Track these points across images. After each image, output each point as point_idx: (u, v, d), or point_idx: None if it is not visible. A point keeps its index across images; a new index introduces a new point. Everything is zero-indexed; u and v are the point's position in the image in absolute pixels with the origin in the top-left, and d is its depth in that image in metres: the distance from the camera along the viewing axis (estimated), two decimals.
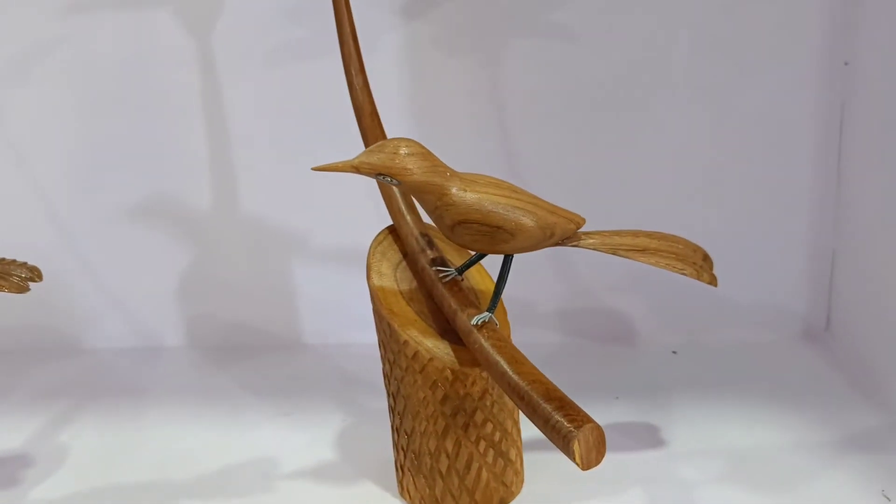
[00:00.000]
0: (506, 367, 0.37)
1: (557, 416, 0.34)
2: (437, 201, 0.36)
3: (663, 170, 0.62)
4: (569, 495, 0.45)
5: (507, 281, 0.40)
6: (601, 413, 0.38)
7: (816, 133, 0.59)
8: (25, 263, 0.43)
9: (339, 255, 0.67)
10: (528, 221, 0.37)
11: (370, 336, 0.67)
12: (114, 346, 0.69)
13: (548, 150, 0.63)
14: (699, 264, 0.41)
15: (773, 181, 0.61)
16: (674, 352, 0.62)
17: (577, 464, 0.33)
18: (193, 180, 0.66)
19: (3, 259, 0.43)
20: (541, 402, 0.35)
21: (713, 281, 0.42)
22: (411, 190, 0.36)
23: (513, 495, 0.44)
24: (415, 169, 0.36)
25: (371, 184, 0.61)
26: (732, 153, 0.61)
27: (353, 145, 0.62)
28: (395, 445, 0.44)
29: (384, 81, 0.61)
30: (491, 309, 0.39)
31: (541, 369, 0.38)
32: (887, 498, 0.41)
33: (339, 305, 0.68)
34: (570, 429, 0.33)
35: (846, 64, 0.56)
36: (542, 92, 0.61)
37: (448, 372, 0.40)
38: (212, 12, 0.62)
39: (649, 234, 0.41)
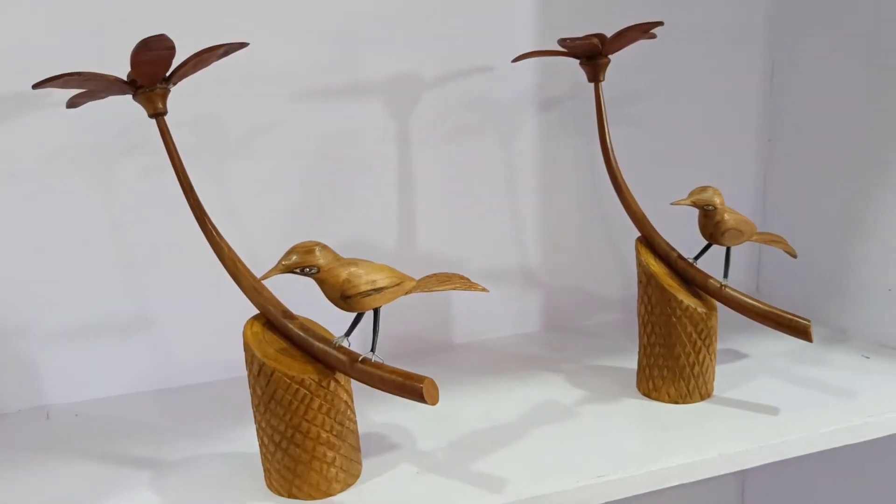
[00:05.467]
0: (750, 303, 0.71)
1: (790, 321, 0.69)
2: (719, 218, 0.69)
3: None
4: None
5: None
6: None
7: (752, 184, 1.02)
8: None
9: (481, 269, 0.92)
10: (750, 226, 0.72)
11: (502, 331, 0.93)
12: None
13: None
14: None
15: None
16: None
17: (811, 340, 0.68)
18: (382, 225, 0.86)
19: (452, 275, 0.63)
20: (777, 317, 0.69)
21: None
22: (721, 217, 0.69)
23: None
24: (730, 213, 0.69)
25: (511, 221, 0.89)
26: None
27: (501, 198, 0.89)
28: (657, 367, 0.74)
29: (527, 151, 0.90)
30: (726, 276, 0.72)
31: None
32: (867, 357, 0.83)
33: (479, 309, 0.93)
34: (805, 323, 0.68)
35: (769, 140, 1.01)
36: (621, 157, 0.94)
37: (705, 314, 0.72)
38: (411, 101, 0.85)
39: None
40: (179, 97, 0.66)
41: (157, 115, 0.58)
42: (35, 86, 0.53)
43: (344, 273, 0.55)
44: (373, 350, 0.58)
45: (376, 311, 0.58)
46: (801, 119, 0.96)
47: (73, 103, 0.60)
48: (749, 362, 0.84)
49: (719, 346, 0.86)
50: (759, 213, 1.03)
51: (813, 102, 0.94)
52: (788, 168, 0.99)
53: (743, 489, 1.13)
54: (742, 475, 1.12)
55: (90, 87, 0.56)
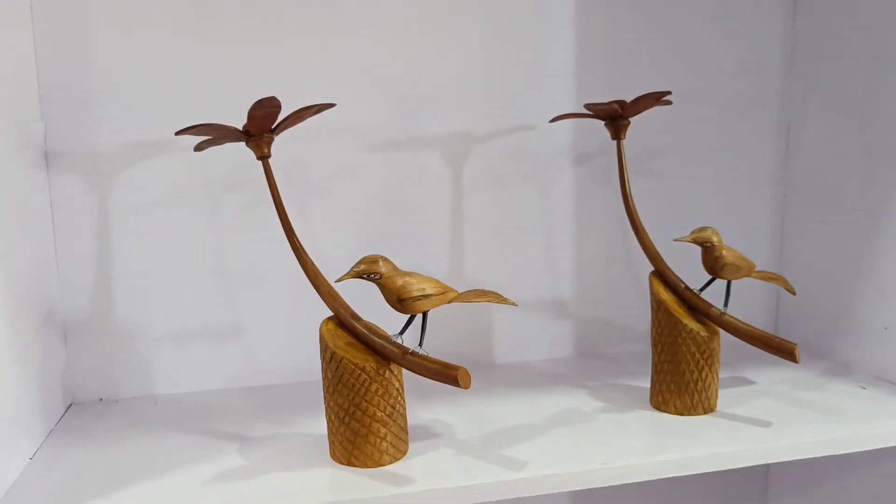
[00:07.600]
0: (744, 328, 0.82)
1: (778, 343, 0.80)
2: (718, 254, 0.81)
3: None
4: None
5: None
6: None
7: (770, 235, 1.14)
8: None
9: (520, 300, 1.05)
10: (748, 263, 0.84)
11: (538, 354, 1.06)
12: None
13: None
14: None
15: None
16: None
17: (797, 361, 0.79)
18: (436, 257, 1.02)
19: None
20: (768, 340, 0.80)
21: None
22: (719, 253, 0.81)
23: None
24: (728, 250, 0.81)
25: (547, 258, 1.03)
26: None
27: (539, 238, 1.03)
28: (666, 383, 0.85)
29: (562, 198, 1.04)
30: (726, 305, 0.84)
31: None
32: (863, 388, 0.92)
33: (518, 335, 1.07)
34: (790, 345, 0.79)
35: (784, 196, 1.13)
36: (642, 205, 1.07)
37: (707, 337, 0.84)
38: (463, 154, 1.01)
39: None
40: (275, 145, 0.84)
41: (264, 158, 0.75)
42: (177, 133, 0.71)
43: (400, 281, 0.70)
44: (420, 345, 0.72)
45: (425, 314, 0.73)
46: (812, 177, 1.08)
47: (199, 147, 0.78)
48: (754, 387, 0.94)
49: (730, 374, 0.97)
50: (777, 260, 1.14)
51: (820, 163, 1.06)
52: (801, 220, 1.10)
53: None
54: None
55: (215, 134, 0.74)
